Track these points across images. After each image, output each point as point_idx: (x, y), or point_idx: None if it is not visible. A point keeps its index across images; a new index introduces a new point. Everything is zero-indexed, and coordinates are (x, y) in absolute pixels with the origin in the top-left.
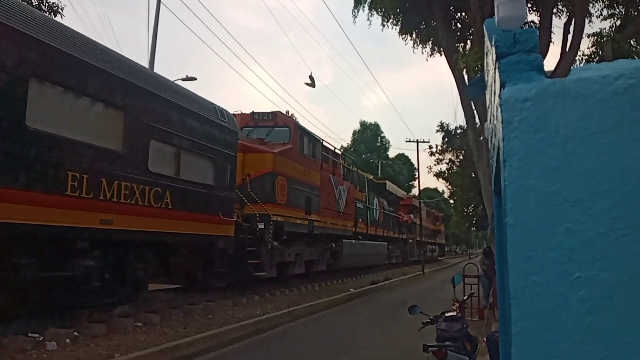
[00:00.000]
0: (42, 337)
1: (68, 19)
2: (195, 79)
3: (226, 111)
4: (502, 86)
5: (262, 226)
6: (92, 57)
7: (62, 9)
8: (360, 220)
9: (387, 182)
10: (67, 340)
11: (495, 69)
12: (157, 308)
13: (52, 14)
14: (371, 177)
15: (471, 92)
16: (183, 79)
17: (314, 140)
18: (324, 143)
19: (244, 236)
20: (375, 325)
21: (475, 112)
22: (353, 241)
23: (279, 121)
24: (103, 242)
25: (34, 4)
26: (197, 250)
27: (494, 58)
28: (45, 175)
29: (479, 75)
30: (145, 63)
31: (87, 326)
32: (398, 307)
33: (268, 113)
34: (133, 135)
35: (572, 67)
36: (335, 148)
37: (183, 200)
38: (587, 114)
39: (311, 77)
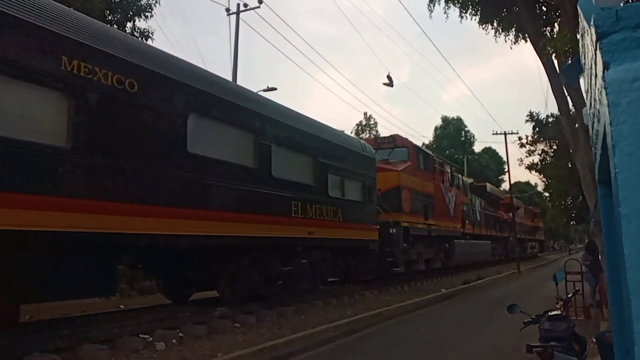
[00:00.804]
0: (151, 338)
1: (158, 42)
2: (275, 89)
3: (367, 144)
4: (605, 67)
5: (394, 231)
6: (301, 125)
7: (152, 34)
8: (467, 221)
9: (487, 184)
10: (174, 341)
11: (595, 50)
12: (253, 310)
13: (143, 38)
14: (471, 180)
15: (566, 78)
16: (265, 90)
17: (426, 155)
18: (434, 157)
19: (382, 239)
20: (470, 325)
21: (568, 98)
22: (462, 241)
23: (398, 143)
24: (307, 247)
25: (127, 30)
26: (356, 251)
27: (594, 38)
28: (283, 205)
29: (570, 59)
30: (228, 76)
31: (190, 327)
32: (493, 307)
33: (388, 137)
34: (319, 173)
35: None
36: (443, 160)
37: (348, 214)
38: None
39: (389, 77)
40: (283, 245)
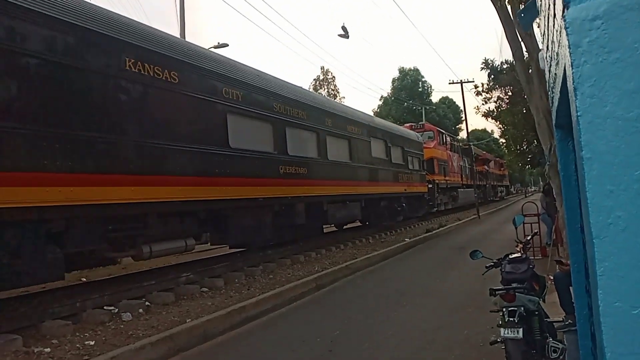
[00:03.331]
0: (117, 309)
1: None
2: (227, 45)
3: (417, 134)
4: (565, 7)
5: (431, 186)
6: (398, 132)
7: None
8: (463, 175)
9: (471, 146)
10: (140, 310)
11: None
12: (220, 273)
13: None
14: (461, 144)
15: (521, 22)
16: (215, 47)
17: (442, 133)
18: (446, 134)
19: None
20: (435, 272)
21: (522, 44)
22: (461, 189)
23: (426, 128)
24: (403, 196)
25: None
26: (413, 199)
27: None
28: (395, 176)
29: (523, 4)
30: (176, 33)
31: (156, 295)
32: (456, 253)
33: (419, 124)
34: (404, 156)
35: None
36: (448, 134)
37: (415, 178)
38: None
39: (344, 28)
40: (394, 197)
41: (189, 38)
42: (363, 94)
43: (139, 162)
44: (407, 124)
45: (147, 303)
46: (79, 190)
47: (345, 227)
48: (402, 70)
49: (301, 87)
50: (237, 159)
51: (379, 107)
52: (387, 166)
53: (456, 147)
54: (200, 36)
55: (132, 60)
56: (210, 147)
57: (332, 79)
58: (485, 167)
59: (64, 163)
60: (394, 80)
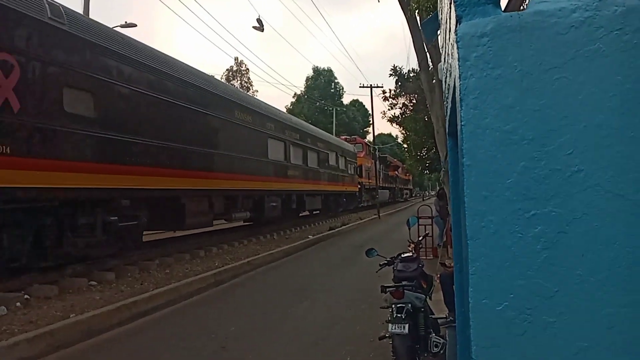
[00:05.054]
0: None
1: None
2: (135, 25)
3: (354, 146)
4: (457, 22)
5: (359, 186)
6: (343, 145)
7: None
8: (379, 179)
9: (387, 156)
10: (18, 304)
11: (450, 4)
12: (112, 266)
13: None
14: (379, 152)
15: (425, 33)
16: (122, 26)
17: (369, 146)
18: (370, 146)
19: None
20: (334, 269)
21: (427, 54)
22: (380, 190)
23: (358, 141)
24: (342, 194)
25: None
26: (349, 196)
27: None
28: (337, 178)
29: (431, 14)
30: (79, 9)
31: (38, 288)
32: (355, 251)
33: (353, 137)
34: (346, 164)
35: None
36: (371, 146)
37: (351, 180)
38: (543, 49)
39: (259, 21)
40: (339, 193)
41: (93, 14)
42: (276, 89)
43: (231, 166)
44: (343, 136)
45: (26, 296)
46: (226, 182)
47: (300, 214)
48: (316, 70)
49: (294, 117)
50: (271, 165)
51: (292, 104)
52: (336, 171)
53: (375, 156)
54: (107, 13)
55: (238, 112)
56: (260, 158)
57: (245, 71)
58: (396, 172)
59: (228, 167)
60: (308, 79)
